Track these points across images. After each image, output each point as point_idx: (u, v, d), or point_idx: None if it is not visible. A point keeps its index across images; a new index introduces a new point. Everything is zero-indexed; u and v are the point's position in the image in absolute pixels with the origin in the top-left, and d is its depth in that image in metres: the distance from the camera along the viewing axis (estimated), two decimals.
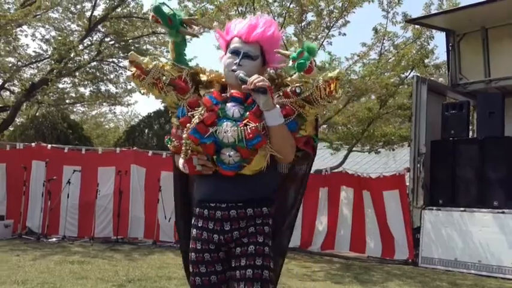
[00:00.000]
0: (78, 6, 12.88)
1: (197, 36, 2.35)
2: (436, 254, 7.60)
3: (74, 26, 13.49)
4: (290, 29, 10.18)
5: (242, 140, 1.94)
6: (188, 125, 2.01)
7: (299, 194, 2.36)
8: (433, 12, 10.12)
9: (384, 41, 10.49)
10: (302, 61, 2.03)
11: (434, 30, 10.02)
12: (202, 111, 2.02)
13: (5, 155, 9.06)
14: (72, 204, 8.64)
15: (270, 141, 1.99)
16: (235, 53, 2.10)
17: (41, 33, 13.25)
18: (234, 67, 2.07)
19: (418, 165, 8.20)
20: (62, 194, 8.59)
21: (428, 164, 8.17)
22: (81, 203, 8.77)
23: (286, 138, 2.03)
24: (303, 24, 9.61)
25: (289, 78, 2.13)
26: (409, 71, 10.57)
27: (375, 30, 10.39)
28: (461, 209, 7.48)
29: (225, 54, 2.17)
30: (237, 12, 9.35)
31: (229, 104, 2.03)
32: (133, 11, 12.95)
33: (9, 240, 8.08)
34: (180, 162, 2.11)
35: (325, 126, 11.99)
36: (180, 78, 2.14)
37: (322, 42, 9.60)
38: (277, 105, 2.00)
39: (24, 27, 12.59)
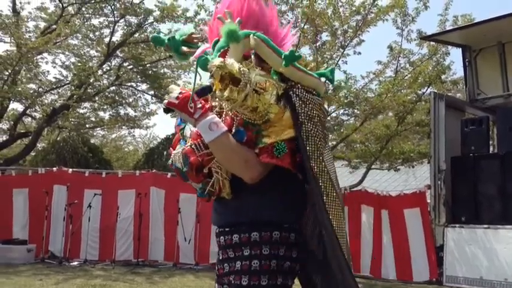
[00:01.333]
0: (97, 33, 13.17)
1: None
2: (460, 272, 7.44)
3: (93, 52, 13.80)
4: (305, 50, 10.28)
5: (184, 165, 1.67)
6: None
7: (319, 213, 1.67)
8: (448, 28, 10.11)
9: (400, 58, 10.55)
10: (203, 57, 1.73)
11: (450, 47, 9.99)
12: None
13: (27, 180, 9.21)
14: (93, 227, 8.71)
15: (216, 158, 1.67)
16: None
17: (61, 60, 13.56)
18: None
19: (439, 182, 8.08)
20: (83, 218, 8.67)
21: (449, 180, 8.05)
22: (102, 227, 8.84)
23: (230, 153, 1.62)
24: (317, 44, 9.69)
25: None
26: (426, 88, 10.55)
27: (390, 48, 10.44)
28: (485, 226, 7.33)
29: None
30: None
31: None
32: (151, 35, 13.18)
33: (32, 264, 8.16)
34: None
35: (342, 144, 11.95)
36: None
37: (338, 61, 9.66)
38: (209, 116, 1.62)
39: (45, 54, 12.89)
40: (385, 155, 11.15)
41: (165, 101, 1.62)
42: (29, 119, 15.23)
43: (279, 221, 1.69)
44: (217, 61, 1.55)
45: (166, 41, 1.92)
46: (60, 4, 12.56)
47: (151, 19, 12.49)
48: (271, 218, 1.69)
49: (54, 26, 12.26)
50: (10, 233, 8.70)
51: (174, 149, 1.76)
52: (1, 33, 11.37)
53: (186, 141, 1.73)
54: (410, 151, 11.07)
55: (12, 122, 14.00)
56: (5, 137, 14.99)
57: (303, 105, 1.66)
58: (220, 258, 1.77)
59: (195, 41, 1.96)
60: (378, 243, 8.45)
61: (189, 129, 1.73)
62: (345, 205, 8.93)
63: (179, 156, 1.69)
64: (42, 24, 12.99)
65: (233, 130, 1.65)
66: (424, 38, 9.80)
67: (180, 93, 1.62)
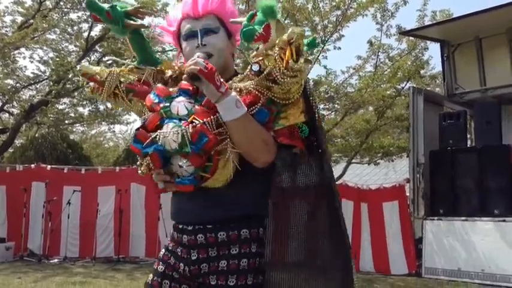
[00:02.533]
0: (76, 28, 12.97)
1: (146, 27, 1.89)
2: (439, 264, 7.57)
3: (71, 47, 13.57)
4: None
5: (187, 144, 1.49)
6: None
7: (317, 207, 1.72)
8: (426, 23, 10.23)
9: (379, 53, 10.62)
10: (248, 27, 1.58)
11: (428, 42, 10.11)
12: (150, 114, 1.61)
13: (4, 177, 9.07)
14: (73, 224, 8.63)
15: (232, 139, 1.53)
16: (191, 35, 1.70)
17: (38, 55, 13.32)
18: (198, 52, 1.63)
19: (418, 175, 8.20)
20: (62, 215, 8.58)
21: (427, 174, 8.18)
22: (82, 223, 8.75)
23: (253, 134, 1.54)
24: None
25: (254, 53, 1.64)
26: (405, 82, 10.66)
27: (370, 43, 10.51)
28: (463, 218, 7.47)
29: (179, 48, 1.79)
30: None
31: (176, 100, 1.59)
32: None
33: (10, 262, 8.05)
34: None
35: None
36: (140, 80, 1.78)
37: (318, 56, 9.69)
38: (232, 92, 1.52)
39: (22, 49, 12.66)
40: (365, 149, 11.24)
41: (196, 67, 1.49)
42: (7, 115, 14.95)
43: (263, 214, 1.61)
44: (297, 29, 1.54)
45: (106, 9, 1.75)
46: None
47: None
48: (258, 212, 1.62)
49: (31, 21, 12.04)
50: None
51: (151, 129, 1.55)
52: None
53: (178, 119, 1.54)
54: (389, 145, 11.18)
55: None
56: None
57: (312, 93, 1.69)
58: (195, 257, 1.63)
59: (140, 16, 1.83)
60: (357, 236, 8.54)
61: (184, 107, 1.56)
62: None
63: (179, 135, 1.49)
64: (19, 19, 12.74)
65: (256, 109, 1.55)
66: (403, 33, 9.90)
67: (206, 63, 1.51)
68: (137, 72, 1.81)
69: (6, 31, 11.98)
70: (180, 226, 1.69)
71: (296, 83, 1.54)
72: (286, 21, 9.49)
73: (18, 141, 16.57)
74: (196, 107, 1.55)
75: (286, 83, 1.53)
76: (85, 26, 12.87)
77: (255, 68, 1.57)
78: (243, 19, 1.63)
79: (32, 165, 9.39)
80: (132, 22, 1.79)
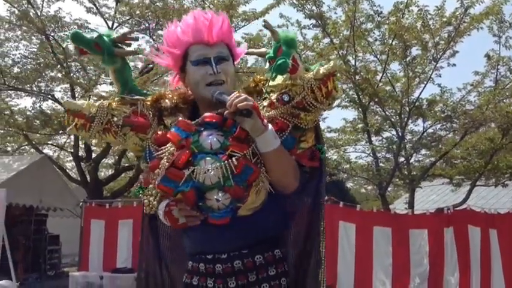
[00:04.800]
0: None
1: (137, 53, 1.92)
2: None
3: None
4: (394, 66, 10.02)
5: (229, 178, 1.50)
6: (157, 171, 1.57)
7: (314, 225, 1.74)
8: None
9: (499, 66, 9.90)
10: (282, 60, 1.59)
11: None
12: (172, 150, 1.58)
13: (132, 211, 9.70)
14: None
15: (266, 168, 1.57)
16: (204, 62, 1.68)
17: None
18: (211, 78, 1.66)
19: None
20: None
21: None
22: None
23: (286, 162, 1.61)
24: (407, 59, 9.40)
25: (271, 83, 1.69)
26: None
27: (488, 56, 9.87)
28: None
29: (179, 72, 1.77)
30: (338, 56, 9.42)
31: (204, 133, 1.58)
32: (239, 66, 13.58)
33: None
34: (161, 214, 1.68)
35: (442, 161, 11.36)
36: (136, 113, 1.72)
37: (431, 75, 9.29)
38: (269, 125, 1.57)
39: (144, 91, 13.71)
40: (491, 170, 10.41)
41: (249, 103, 1.51)
42: (132, 153, 16.20)
43: (284, 234, 1.74)
44: (337, 61, 1.66)
45: (94, 40, 1.70)
46: (156, 45, 13.42)
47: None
48: (282, 231, 1.73)
49: (150, 65, 13.04)
50: (114, 263, 9.17)
51: (181, 165, 1.52)
52: (104, 76, 12.23)
53: (212, 153, 1.53)
54: None
55: (117, 157, 15.03)
56: (111, 171, 16.09)
57: None
58: (233, 285, 1.61)
59: (128, 42, 1.81)
60: (486, 268, 7.73)
61: (216, 140, 1.55)
62: (450, 225, 8.30)
63: (221, 169, 1.49)
64: (139, 64, 13.87)
65: (284, 136, 1.62)
66: None
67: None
68: (126, 104, 1.75)
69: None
70: (210, 256, 1.65)
71: (323, 110, 1.66)
72: (394, 43, 9.25)
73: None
74: (229, 139, 1.55)
75: (319, 111, 1.63)
76: None
77: (286, 98, 1.62)
78: (262, 50, 1.73)
79: None
80: (121, 50, 1.77)
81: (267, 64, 1.68)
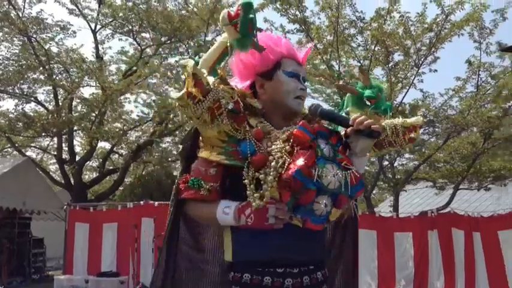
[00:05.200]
0: (174, 71, 13.78)
1: (261, 50, 1.73)
2: None
3: (171, 89, 14.41)
4: (377, 71, 10.11)
5: (347, 187, 1.57)
6: (293, 165, 1.54)
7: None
8: None
9: (480, 72, 10.05)
10: (388, 104, 1.89)
11: None
12: (287, 148, 1.60)
13: (116, 214, 9.67)
14: None
15: None
16: (295, 76, 1.78)
17: (142, 99, 14.28)
18: (300, 93, 1.78)
19: None
20: None
21: None
22: None
23: None
24: (390, 65, 9.50)
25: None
26: None
27: (469, 62, 10.00)
28: None
29: (258, 77, 1.80)
30: (321, 61, 9.49)
31: (320, 141, 1.65)
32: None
33: None
34: (230, 212, 1.62)
35: (425, 164, 11.51)
36: (238, 102, 1.64)
37: (413, 80, 9.40)
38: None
39: (127, 94, 13.66)
40: (473, 173, 10.58)
41: (379, 127, 1.66)
42: (116, 156, 16.12)
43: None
44: (421, 118, 1.88)
45: (253, 19, 1.63)
46: (139, 47, 13.36)
47: None
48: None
49: (134, 68, 13.03)
50: (99, 266, 9.11)
51: (311, 165, 1.55)
52: (87, 78, 12.20)
53: (330, 160, 1.61)
54: (500, 168, 10.43)
55: (101, 160, 14.94)
56: (95, 174, 15.98)
57: None
58: None
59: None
60: (471, 269, 7.87)
61: (330, 150, 1.64)
62: (434, 228, 8.39)
63: (344, 178, 1.58)
64: (123, 67, 13.85)
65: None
66: (504, 49, 9.29)
67: None
68: (228, 89, 1.66)
69: (113, 79, 13.02)
70: (281, 269, 1.61)
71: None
72: (376, 48, 9.36)
73: (127, 180, 17.73)
74: (339, 153, 1.65)
75: (392, 148, 1.85)
76: None
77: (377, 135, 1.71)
78: (353, 88, 1.89)
79: (141, 202, 9.93)
80: (256, 42, 1.68)
81: (367, 102, 1.87)
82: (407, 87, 9.85)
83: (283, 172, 1.54)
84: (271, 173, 1.54)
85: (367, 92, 1.86)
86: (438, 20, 8.91)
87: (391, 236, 7.79)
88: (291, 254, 1.62)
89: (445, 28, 8.91)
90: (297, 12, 9.45)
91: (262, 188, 1.56)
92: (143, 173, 17.55)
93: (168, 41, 13.13)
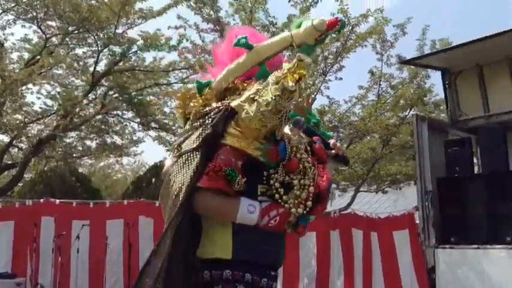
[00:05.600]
0: (81, 63, 13.21)
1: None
2: None
3: (78, 82, 13.80)
4: None
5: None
6: (325, 178, 1.73)
7: None
8: (426, 52, 10.36)
9: (381, 82, 10.74)
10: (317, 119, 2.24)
11: (430, 70, 10.23)
12: (310, 159, 1.76)
13: (13, 212, 9.08)
14: (82, 259, 8.59)
15: None
16: None
17: (46, 90, 13.53)
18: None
19: (426, 203, 8.15)
20: (71, 250, 8.56)
21: (436, 201, 8.14)
22: (91, 258, 8.72)
23: None
24: None
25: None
26: (408, 110, 10.74)
27: (371, 72, 10.66)
28: (475, 246, 7.37)
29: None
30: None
31: None
32: (136, 64, 13.29)
33: None
34: (256, 211, 1.64)
35: None
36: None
37: (320, 87, 9.81)
38: None
39: (30, 85, 12.85)
40: (373, 177, 11.27)
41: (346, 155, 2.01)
42: (16, 150, 15.12)
43: None
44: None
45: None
46: (44, 35, 12.62)
47: (135, 48, 12.56)
48: None
49: (38, 57, 12.28)
50: None
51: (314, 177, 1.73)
52: None
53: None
54: (396, 173, 11.21)
55: None
56: None
57: None
58: None
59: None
60: (368, 267, 8.40)
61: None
62: (336, 228, 8.86)
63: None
64: (26, 55, 13.01)
65: None
66: (403, 62, 10.03)
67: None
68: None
69: (14, 68, 12.20)
70: (274, 273, 1.74)
71: None
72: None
73: (27, 176, 16.69)
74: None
75: None
76: (91, 61, 13.11)
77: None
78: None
79: (41, 200, 9.42)
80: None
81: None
82: (315, 94, 10.26)
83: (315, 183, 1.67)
84: (311, 184, 1.66)
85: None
86: (344, 31, 9.39)
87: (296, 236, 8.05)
88: (280, 258, 1.79)
89: (351, 39, 9.40)
90: (211, 12, 9.46)
91: (290, 193, 1.65)
92: (45, 168, 16.61)
93: (76, 31, 12.52)
